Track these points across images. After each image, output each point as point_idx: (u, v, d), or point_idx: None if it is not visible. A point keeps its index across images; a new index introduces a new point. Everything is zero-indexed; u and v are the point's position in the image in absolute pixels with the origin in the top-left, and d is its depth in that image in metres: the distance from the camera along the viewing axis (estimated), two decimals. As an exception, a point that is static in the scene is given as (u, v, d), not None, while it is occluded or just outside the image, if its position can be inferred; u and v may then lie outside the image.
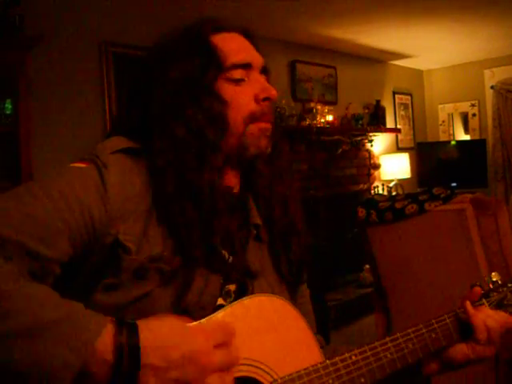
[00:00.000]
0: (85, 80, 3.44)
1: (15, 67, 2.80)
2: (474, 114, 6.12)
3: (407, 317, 2.77)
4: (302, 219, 1.02)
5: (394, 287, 2.81)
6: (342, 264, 4.55)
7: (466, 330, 1.01)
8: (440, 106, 6.39)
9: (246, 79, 0.93)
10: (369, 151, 5.30)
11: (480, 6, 4.19)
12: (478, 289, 1.05)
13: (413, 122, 6.23)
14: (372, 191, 5.16)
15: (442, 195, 2.57)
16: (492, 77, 5.90)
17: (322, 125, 4.68)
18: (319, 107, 4.77)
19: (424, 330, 0.98)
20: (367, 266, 4.23)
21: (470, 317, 1.00)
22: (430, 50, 5.56)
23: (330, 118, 4.80)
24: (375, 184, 5.32)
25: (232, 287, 0.89)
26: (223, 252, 0.89)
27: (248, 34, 0.99)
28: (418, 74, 6.48)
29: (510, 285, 1.10)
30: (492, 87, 5.87)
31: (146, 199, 0.84)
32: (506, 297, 1.08)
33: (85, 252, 0.80)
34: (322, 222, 4.34)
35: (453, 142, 6.07)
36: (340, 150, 4.93)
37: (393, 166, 5.36)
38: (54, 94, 3.27)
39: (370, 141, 5.28)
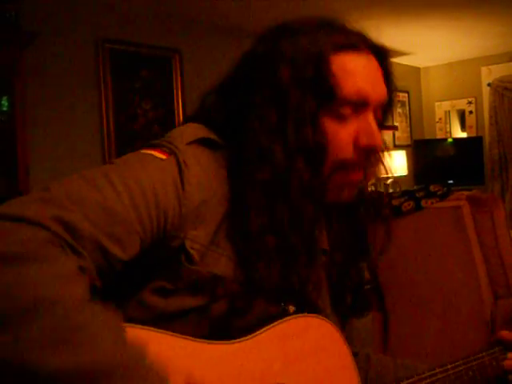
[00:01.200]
0: (81, 76, 3.44)
1: (11, 64, 2.79)
2: (470, 112, 6.13)
3: (404, 314, 2.77)
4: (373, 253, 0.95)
5: (391, 284, 2.82)
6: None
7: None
8: (437, 104, 6.39)
9: (353, 116, 0.79)
10: (366, 148, 5.31)
11: (477, 3, 4.19)
12: None
13: (410, 119, 6.23)
14: (369, 189, 5.15)
15: (439, 192, 2.57)
16: (489, 74, 5.91)
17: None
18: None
19: (462, 367, 0.94)
20: (364, 264, 4.23)
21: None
22: (427, 47, 5.56)
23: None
24: (372, 181, 5.32)
25: (291, 308, 0.82)
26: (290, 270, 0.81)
27: (381, 55, 0.85)
28: (415, 72, 6.48)
29: None
30: (489, 85, 5.87)
31: (222, 205, 0.77)
32: None
33: (148, 251, 0.74)
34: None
35: (449, 140, 6.08)
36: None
37: (390, 164, 5.34)
38: (50, 90, 3.26)
39: (368, 138, 5.28)
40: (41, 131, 3.16)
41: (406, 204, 2.60)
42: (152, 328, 0.69)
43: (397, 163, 5.37)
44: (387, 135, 5.76)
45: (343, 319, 0.95)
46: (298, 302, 0.81)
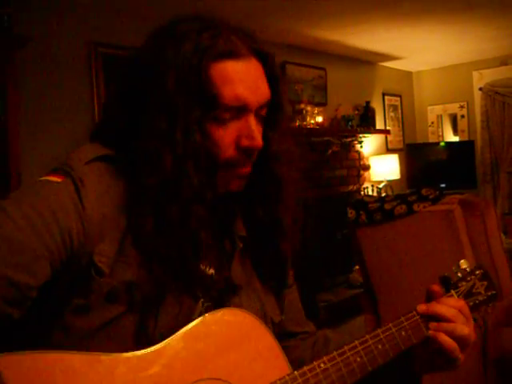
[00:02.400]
0: (74, 80, 3.43)
1: (3, 67, 2.78)
2: (462, 116, 6.17)
3: (396, 317, 2.77)
4: (294, 221, 0.97)
5: (383, 288, 2.82)
6: (332, 265, 4.56)
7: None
8: (429, 108, 6.42)
9: (234, 120, 0.84)
10: (359, 152, 5.32)
11: (469, 8, 4.22)
12: (438, 288, 1.01)
13: (402, 123, 6.26)
14: (362, 192, 5.18)
15: (431, 196, 2.59)
16: (480, 78, 5.95)
17: (311, 126, 4.68)
18: (309, 108, 4.78)
19: (394, 329, 0.94)
20: (357, 267, 4.24)
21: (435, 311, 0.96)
22: (419, 51, 5.59)
23: (319, 119, 4.81)
24: (365, 185, 5.34)
25: (205, 304, 0.86)
26: (204, 269, 0.87)
27: (265, 58, 0.88)
28: (407, 76, 6.51)
29: (477, 272, 1.08)
30: (480, 89, 5.91)
31: (123, 216, 0.80)
32: (475, 285, 1.06)
33: (59, 272, 0.77)
34: (312, 223, 4.34)
35: (442, 143, 6.11)
36: (330, 151, 4.94)
37: (382, 167, 5.38)
38: (42, 93, 3.25)
39: (360, 142, 5.30)
40: (33, 134, 3.15)
41: (398, 208, 2.61)
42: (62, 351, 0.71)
43: (390, 167, 5.38)
44: (380, 139, 5.78)
45: (277, 292, 0.98)
46: (211, 295, 0.85)
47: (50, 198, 0.76)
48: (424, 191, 2.62)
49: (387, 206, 2.65)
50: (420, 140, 6.44)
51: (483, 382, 2.48)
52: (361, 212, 2.69)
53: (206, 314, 0.81)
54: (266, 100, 0.87)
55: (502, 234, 4.15)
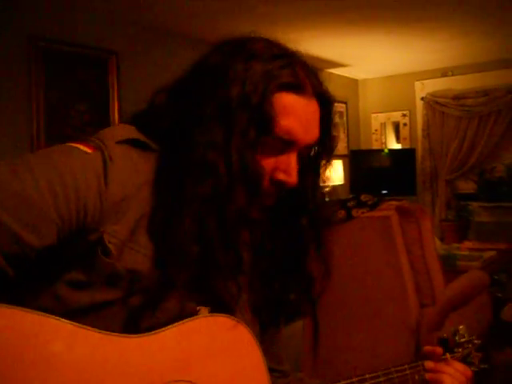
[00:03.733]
0: (11, 76, 3.30)
1: None
2: (405, 124, 6.33)
3: (334, 322, 2.81)
4: (306, 263, 0.96)
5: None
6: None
7: None
8: (373, 115, 6.56)
9: (279, 151, 0.85)
10: (303, 157, 5.37)
11: (411, 20, 4.34)
12: (440, 350, 1.02)
13: (347, 129, 6.36)
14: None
15: (369, 202, 2.63)
16: (422, 89, 6.12)
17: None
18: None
19: (382, 379, 0.94)
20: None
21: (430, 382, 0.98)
22: (364, 60, 5.70)
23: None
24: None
25: (206, 310, 0.85)
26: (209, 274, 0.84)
27: (325, 102, 0.90)
28: (353, 83, 6.63)
29: (475, 341, 1.09)
30: (422, 98, 6.08)
31: (145, 205, 0.79)
32: (470, 354, 1.07)
33: (65, 241, 0.75)
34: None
35: (385, 151, 6.25)
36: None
37: (328, 173, 5.43)
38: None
39: (306, 147, 5.35)
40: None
41: (337, 213, 2.64)
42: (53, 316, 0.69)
43: (334, 172, 5.46)
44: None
45: (262, 327, 0.96)
46: (214, 306, 0.83)
47: (76, 167, 0.75)
48: (363, 197, 2.66)
49: (327, 211, 2.67)
50: (364, 147, 6.56)
51: None
52: (301, 217, 2.71)
53: (202, 317, 0.79)
54: (313, 142, 0.88)
55: (438, 240, 4.28)
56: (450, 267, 3.64)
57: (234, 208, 0.80)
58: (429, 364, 0.99)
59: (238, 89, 0.80)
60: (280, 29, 4.40)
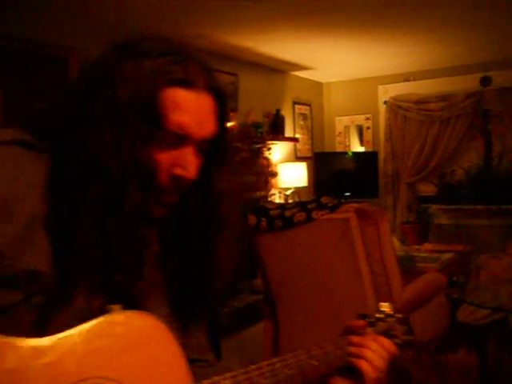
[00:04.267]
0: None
1: None
2: (368, 127, 6.41)
3: (294, 323, 2.82)
4: (225, 258, 0.97)
5: (283, 294, 2.86)
6: (236, 270, 4.56)
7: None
8: (337, 118, 6.62)
9: (173, 146, 0.85)
10: (267, 159, 5.38)
11: (374, 26, 4.39)
12: (362, 322, 1.03)
13: (311, 132, 6.40)
14: (269, 199, 5.23)
15: (330, 204, 2.65)
16: (385, 93, 6.21)
17: (221, 131, 4.67)
18: (219, 113, 4.77)
19: (303, 356, 0.93)
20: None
21: (351, 356, 0.99)
22: (328, 63, 5.75)
23: (229, 124, 4.81)
24: (272, 192, 5.40)
25: (117, 307, 0.83)
26: (113, 272, 0.84)
27: (218, 95, 0.90)
28: (317, 86, 6.67)
29: (398, 315, 1.09)
30: (385, 102, 6.17)
31: (38, 204, 0.78)
32: (394, 328, 1.07)
33: None
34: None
35: (349, 153, 6.31)
36: (239, 156, 4.96)
37: (290, 175, 5.47)
38: None
39: (269, 149, 5.36)
40: None
41: (297, 215, 2.65)
42: None
43: (298, 174, 5.49)
44: (289, 147, 5.88)
45: (183, 321, 0.97)
46: (125, 303, 0.82)
47: None
48: (323, 199, 2.68)
49: (287, 213, 2.68)
50: (328, 149, 6.61)
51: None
52: (262, 218, 2.71)
53: (112, 314, 0.77)
54: (209, 136, 0.88)
55: (397, 242, 4.33)
56: (409, 269, 3.69)
57: (130, 205, 0.80)
58: (352, 339, 1.00)
59: (127, 86, 0.82)
60: (243, 30, 4.41)
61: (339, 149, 6.58)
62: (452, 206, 5.66)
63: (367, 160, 6.13)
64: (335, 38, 4.75)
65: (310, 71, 6.08)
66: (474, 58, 5.49)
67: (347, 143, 6.58)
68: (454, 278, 4.05)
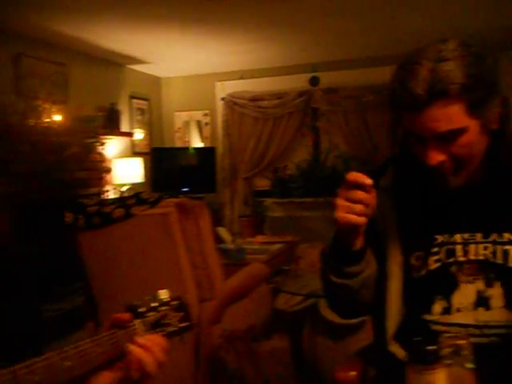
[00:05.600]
0: None
1: None
2: (206, 123, 6.47)
3: (117, 322, 2.74)
4: None
5: (104, 293, 2.76)
6: (65, 271, 4.34)
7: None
8: (176, 114, 6.60)
9: None
10: (101, 154, 5.19)
11: (207, 21, 4.42)
12: (127, 315, 1.01)
13: (150, 127, 6.31)
14: (103, 195, 5.06)
15: (150, 200, 2.61)
16: (223, 89, 6.31)
17: (49, 125, 4.41)
18: (47, 106, 4.50)
19: (55, 358, 0.88)
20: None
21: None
22: (165, 58, 5.69)
23: (58, 117, 4.57)
24: (106, 188, 5.23)
25: None
26: None
27: None
28: (156, 81, 6.59)
29: (173, 303, 1.09)
30: (222, 99, 6.27)
31: None
32: (167, 315, 1.06)
33: None
34: (40, 228, 4.09)
35: (191, 149, 6.32)
36: (69, 152, 4.72)
37: (127, 171, 5.34)
38: None
39: (103, 144, 5.17)
40: None
41: (116, 211, 2.58)
42: None
43: (134, 170, 5.37)
44: (126, 142, 5.74)
45: None
46: None
47: None
48: (144, 194, 2.64)
49: (106, 210, 2.60)
50: (167, 145, 6.57)
51: (195, 378, 2.58)
52: (79, 216, 2.59)
53: None
54: None
55: (229, 235, 4.43)
56: (241, 261, 3.79)
57: None
58: (113, 336, 0.98)
59: None
60: (70, 18, 4.19)
61: (179, 144, 6.57)
62: (285, 200, 5.93)
63: (206, 155, 6.20)
64: (170, 32, 4.70)
65: (147, 65, 5.98)
66: (304, 58, 5.78)
67: (186, 139, 6.59)
68: (286, 267, 4.24)
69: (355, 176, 1.10)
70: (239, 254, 3.86)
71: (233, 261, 3.74)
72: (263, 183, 6.20)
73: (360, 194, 1.09)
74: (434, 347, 0.63)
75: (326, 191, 5.39)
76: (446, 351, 0.78)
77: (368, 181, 1.09)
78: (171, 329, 1.05)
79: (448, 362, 0.77)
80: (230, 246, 4.05)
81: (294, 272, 3.18)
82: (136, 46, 5.17)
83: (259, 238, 4.77)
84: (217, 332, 2.56)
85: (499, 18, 4.52)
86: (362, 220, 1.11)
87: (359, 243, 1.18)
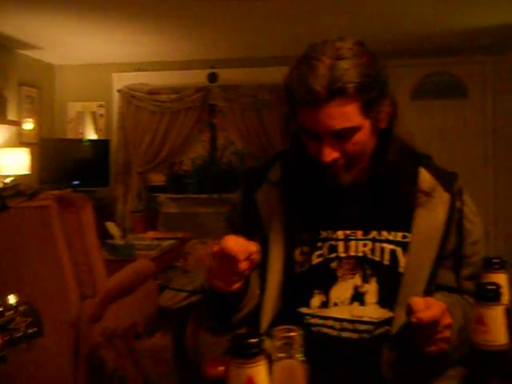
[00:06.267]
0: None
1: None
2: (101, 115, 6.27)
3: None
4: None
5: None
6: None
7: None
8: (70, 104, 6.33)
9: None
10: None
11: (103, 9, 4.28)
12: None
13: (40, 116, 6.01)
14: (-16, 186, 4.75)
15: (28, 192, 2.49)
16: (119, 81, 6.14)
17: None
18: None
19: None
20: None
21: None
22: (59, 44, 5.44)
23: None
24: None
25: None
26: None
27: None
28: (48, 68, 6.28)
29: (21, 308, 1.06)
30: (118, 91, 6.11)
31: None
32: (14, 320, 1.04)
33: None
34: None
35: (85, 141, 6.10)
36: None
37: (12, 161, 5.06)
38: None
39: (-15, 132, 4.87)
40: None
41: (-10, 203, 2.43)
42: None
43: (19, 161, 5.10)
44: (12, 131, 5.43)
45: None
46: None
47: None
48: (21, 186, 2.51)
49: (-20, 202, 2.44)
50: (59, 135, 6.28)
51: (74, 378, 2.50)
52: None
53: None
54: None
55: (118, 230, 4.33)
56: (130, 257, 3.71)
57: None
58: None
59: None
60: None
61: (72, 136, 6.31)
62: (180, 195, 5.89)
63: (99, 148, 6.01)
64: (66, 17, 4.49)
65: (39, 51, 5.68)
66: (203, 54, 5.77)
67: (80, 130, 6.34)
68: (178, 264, 4.21)
69: (230, 249, 1.04)
70: (128, 250, 3.78)
71: (121, 257, 3.66)
72: (158, 178, 6.11)
73: (238, 268, 1.05)
74: (255, 340, 0.64)
75: (220, 188, 5.40)
76: (278, 344, 0.81)
77: (241, 256, 1.03)
78: (17, 334, 1.01)
79: (280, 354, 0.80)
80: (119, 241, 3.96)
81: (181, 268, 3.17)
82: (28, 30, 4.89)
83: (151, 234, 4.70)
84: (98, 330, 2.49)
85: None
86: (238, 285, 1.09)
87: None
